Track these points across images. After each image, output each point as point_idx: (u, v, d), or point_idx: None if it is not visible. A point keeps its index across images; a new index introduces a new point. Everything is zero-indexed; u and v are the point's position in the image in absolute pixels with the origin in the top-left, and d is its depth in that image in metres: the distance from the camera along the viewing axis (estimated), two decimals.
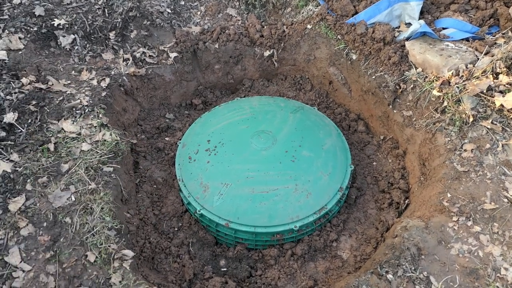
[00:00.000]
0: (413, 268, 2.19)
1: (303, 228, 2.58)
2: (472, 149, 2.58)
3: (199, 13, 3.61)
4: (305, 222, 2.56)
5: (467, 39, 2.94)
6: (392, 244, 2.34)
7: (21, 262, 2.24)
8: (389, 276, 2.18)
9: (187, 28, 3.49)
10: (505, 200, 2.37)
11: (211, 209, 2.61)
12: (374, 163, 3.08)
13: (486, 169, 2.49)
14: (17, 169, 2.56)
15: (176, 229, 2.75)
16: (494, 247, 2.23)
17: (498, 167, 2.49)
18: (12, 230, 2.34)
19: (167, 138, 3.21)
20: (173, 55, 3.30)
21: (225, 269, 2.61)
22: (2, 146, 2.64)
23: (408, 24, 3.11)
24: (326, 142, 2.90)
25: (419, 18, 3.09)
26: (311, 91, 3.52)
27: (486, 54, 2.80)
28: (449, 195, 2.44)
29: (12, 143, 2.67)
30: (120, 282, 2.20)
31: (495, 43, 2.89)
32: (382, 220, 2.72)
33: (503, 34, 2.94)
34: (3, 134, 2.71)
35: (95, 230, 2.35)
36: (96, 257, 2.27)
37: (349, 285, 2.20)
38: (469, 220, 2.33)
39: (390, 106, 3.02)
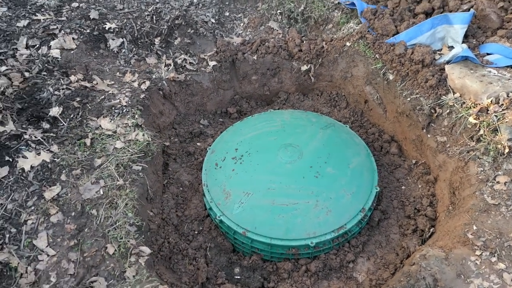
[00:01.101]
0: None
1: (319, 245, 2.56)
2: (506, 182, 2.45)
3: (242, 24, 3.71)
4: (322, 239, 2.54)
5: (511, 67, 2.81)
6: (408, 272, 2.27)
7: (47, 246, 2.40)
8: None
9: (229, 38, 3.59)
10: None
11: (230, 216, 2.65)
12: (403, 187, 3.00)
13: None
14: (55, 159, 2.74)
15: (196, 232, 2.81)
16: None
17: None
18: (44, 216, 2.50)
19: (198, 143, 3.31)
20: (212, 63, 3.40)
21: (238, 277, 2.63)
22: (44, 137, 2.84)
23: (451, 48, 3.02)
24: (353, 161, 2.87)
25: (463, 42, 2.99)
26: (346, 108, 3.49)
27: None
28: (475, 227, 2.33)
29: (54, 135, 2.87)
30: (133, 276, 2.29)
31: None
32: (404, 247, 2.64)
33: None
34: (47, 126, 2.92)
35: (117, 224, 2.46)
36: (115, 250, 2.38)
37: None
38: (494, 256, 2.21)
39: (424, 130, 2.93)
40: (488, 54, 2.93)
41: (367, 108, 3.38)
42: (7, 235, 2.41)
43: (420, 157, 3.06)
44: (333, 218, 2.59)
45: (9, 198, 2.55)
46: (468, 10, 3.06)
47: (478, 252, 2.25)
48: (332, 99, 3.56)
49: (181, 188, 3.03)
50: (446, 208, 2.69)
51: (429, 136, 2.92)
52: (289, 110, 3.43)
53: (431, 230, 2.66)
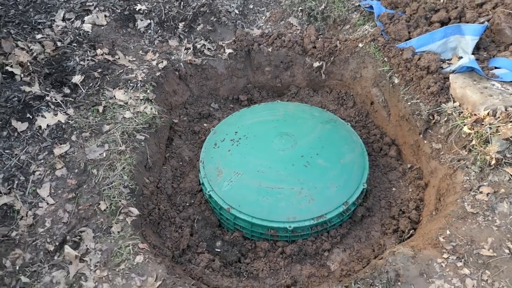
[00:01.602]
0: None
1: (298, 230, 2.66)
2: (488, 193, 2.45)
3: (263, 18, 3.86)
4: (300, 225, 2.64)
5: None
6: (375, 265, 2.33)
7: (48, 196, 2.65)
8: None
9: (249, 29, 3.75)
10: (507, 251, 2.23)
11: (219, 192, 2.81)
12: (394, 189, 3.04)
13: (496, 216, 2.36)
14: (69, 121, 3.00)
15: (187, 204, 2.99)
16: None
17: (511, 217, 2.35)
18: (50, 169, 2.76)
19: (205, 124, 3.49)
20: (228, 51, 3.57)
21: (219, 250, 2.78)
22: (63, 101, 3.11)
23: (460, 58, 3.02)
24: (346, 156, 2.94)
25: (473, 54, 2.99)
26: (352, 108, 3.55)
27: None
28: (448, 232, 2.36)
29: (72, 100, 3.13)
30: (118, 232, 2.49)
31: None
32: (381, 244, 2.69)
33: None
34: (68, 91, 3.19)
35: (112, 184, 2.68)
36: (107, 207, 2.59)
37: None
38: (460, 261, 2.24)
39: (421, 136, 2.96)
40: (496, 68, 2.91)
41: (373, 109, 3.44)
42: (16, 182, 2.69)
43: (415, 162, 3.09)
44: (314, 206, 2.68)
45: (24, 150, 2.83)
46: (483, 23, 3.05)
47: (445, 255, 2.27)
48: (340, 97, 3.63)
49: (181, 163, 3.21)
50: (430, 213, 2.72)
51: (425, 142, 2.95)
52: (295, 102, 3.54)
53: (411, 232, 2.69)
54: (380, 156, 3.28)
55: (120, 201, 2.63)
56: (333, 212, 2.69)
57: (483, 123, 2.63)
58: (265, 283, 2.59)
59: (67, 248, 2.36)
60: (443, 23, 3.17)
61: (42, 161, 2.79)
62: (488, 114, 2.63)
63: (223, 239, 2.83)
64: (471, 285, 2.16)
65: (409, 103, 2.99)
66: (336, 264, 2.66)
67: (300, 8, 3.71)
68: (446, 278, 2.19)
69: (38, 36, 3.44)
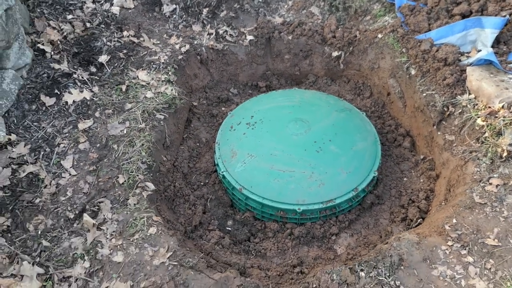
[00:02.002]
0: (387, 274, 2.22)
1: (306, 213, 2.73)
2: (498, 185, 2.46)
3: (286, 6, 3.91)
4: (309, 208, 2.71)
5: None
6: (380, 249, 2.39)
7: (71, 167, 2.80)
8: (362, 273, 2.25)
9: (271, 17, 3.81)
10: None
11: (232, 173, 2.90)
12: (405, 179, 3.07)
13: (504, 208, 2.38)
14: (94, 98, 3.15)
15: (202, 183, 3.09)
16: (480, 282, 2.15)
17: None
18: (74, 142, 2.91)
19: (223, 108, 3.58)
20: (249, 37, 3.65)
21: (229, 229, 2.88)
22: (90, 79, 3.25)
23: (479, 51, 3.01)
24: (358, 144, 2.99)
25: (493, 47, 2.98)
26: (369, 98, 3.58)
27: None
28: (454, 220, 2.39)
29: (98, 78, 3.27)
30: (134, 204, 2.62)
31: None
32: (389, 231, 2.74)
33: None
34: (94, 70, 3.33)
35: (131, 159, 2.81)
36: (125, 180, 2.72)
37: (323, 270, 2.32)
38: (464, 249, 2.27)
39: (435, 127, 2.97)
40: None
41: (389, 100, 3.46)
42: (42, 153, 2.85)
43: (428, 154, 3.11)
44: (324, 191, 2.75)
45: (50, 124, 2.99)
46: (505, 16, 3.02)
47: (450, 243, 2.31)
48: (358, 87, 3.66)
49: (198, 144, 3.32)
50: (439, 203, 2.74)
51: (439, 133, 2.96)
52: (312, 90, 3.60)
53: (419, 221, 2.73)
54: (394, 147, 3.30)
55: (137, 175, 2.75)
56: (342, 198, 2.75)
57: (497, 115, 2.63)
58: (272, 262, 2.67)
59: (86, 217, 2.50)
60: (464, 16, 3.16)
61: (67, 134, 2.94)
62: (502, 107, 2.63)
63: (234, 218, 2.93)
64: (473, 272, 2.19)
65: (424, 94, 3.01)
66: (342, 248, 2.72)
67: None
68: (449, 264, 2.23)
69: (69, 17, 3.59)
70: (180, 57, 3.46)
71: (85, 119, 3.04)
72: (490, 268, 2.19)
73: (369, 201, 2.89)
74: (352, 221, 2.83)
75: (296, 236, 2.74)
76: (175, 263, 2.33)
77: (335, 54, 3.57)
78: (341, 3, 3.67)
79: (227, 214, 2.96)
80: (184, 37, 3.69)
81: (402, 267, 2.25)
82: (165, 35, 3.72)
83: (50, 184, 2.70)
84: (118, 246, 2.43)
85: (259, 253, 2.71)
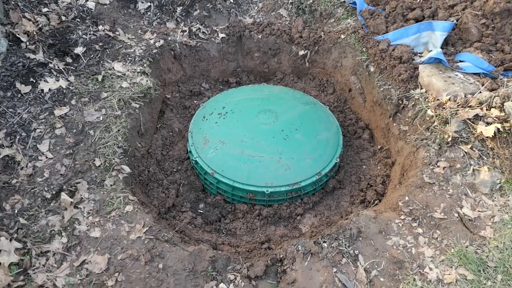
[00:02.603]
0: (347, 244, 2.45)
1: (274, 195, 2.93)
2: (445, 167, 2.75)
3: (256, 8, 4.15)
4: (276, 190, 2.91)
5: (479, 75, 3.10)
6: (341, 224, 2.62)
7: (47, 151, 2.88)
8: (324, 244, 2.46)
9: (242, 17, 4.04)
10: (456, 215, 2.53)
11: (204, 159, 3.07)
12: (364, 167, 3.33)
13: (450, 186, 2.67)
14: (70, 87, 3.24)
15: (174, 170, 3.24)
16: (428, 249, 2.41)
17: (462, 187, 2.65)
18: (50, 128, 2.99)
19: (195, 101, 3.76)
20: (221, 35, 3.85)
21: (201, 211, 3.04)
22: (65, 69, 3.35)
23: (430, 52, 3.34)
24: (322, 134, 3.23)
25: (442, 48, 3.31)
26: (332, 94, 3.85)
27: (492, 90, 2.96)
28: (407, 198, 2.66)
29: (74, 68, 3.37)
30: (111, 185, 2.74)
31: (507, 84, 3.02)
32: (349, 211, 2.98)
33: None
34: (70, 60, 3.43)
35: (107, 144, 2.93)
36: (101, 163, 2.83)
37: (289, 243, 2.52)
38: (415, 222, 2.53)
39: (391, 119, 3.26)
40: (461, 61, 3.23)
41: (350, 96, 3.74)
42: (18, 137, 2.91)
43: (385, 144, 3.39)
44: (290, 174, 2.96)
45: (26, 110, 3.06)
46: (453, 21, 3.37)
47: (402, 217, 2.57)
48: (322, 84, 3.93)
49: (171, 133, 3.47)
50: (394, 186, 3.01)
51: (394, 124, 3.25)
52: (280, 86, 3.83)
53: (376, 202, 2.98)
54: (354, 138, 3.57)
55: (113, 159, 2.87)
56: (307, 181, 2.97)
57: (444, 107, 2.94)
58: (241, 239, 2.85)
59: (63, 195, 2.60)
60: (417, 20, 3.49)
61: (43, 120, 3.02)
62: (449, 99, 2.94)
63: (206, 201, 3.09)
64: (423, 242, 2.45)
65: (381, 89, 3.30)
66: (307, 227, 2.93)
67: (290, 1, 4.02)
68: (402, 235, 2.49)
69: (44, 10, 3.68)
70: (154, 51, 3.61)
71: (61, 106, 3.13)
72: (437, 238, 2.46)
73: (331, 185, 3.13)
74: (316, 203, 3.05)
75: (264, 216, 2.93)
76: (151, 237, 2.47)
77: (301, 53, 3.83)
78: (307, 6, 3.94)
79: (199, 198, 3.12)
80: (158, 33, 3.85)
81: (360, 238, 2.48)
82: (139, 30, 3.86)
83: (26, 166, 2.78)
84: (95, 223, 2.53)
85: (229, 232, 2.88)
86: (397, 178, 3.05)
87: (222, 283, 2.36)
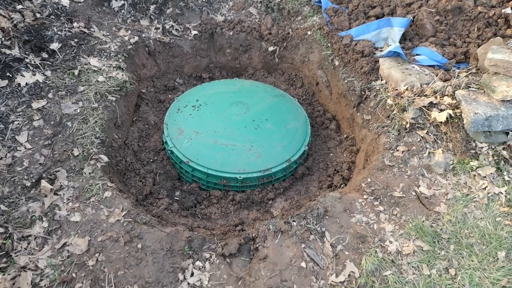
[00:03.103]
0: (315, 222, 2.64)
1: (246, 181, 3.10)
2: (403, 151, 2.99)
3: (227, 6, 4.33)
4: (249, 176, 3.08)
5: (433, 67, 3.36)
6: (309, 205, 2.81)
7: (26, 142, 2.96)
8: (294, 223, 2.64)
9: (213, 15, 4.20)
10: (413, 193, 2.76)
11: (180, 148, 3.21)
12: (331, 154, 3.54)
13: (408, 168, 2.90)
14: (46, 81, 3.33)
15: (151, 160, 3.37)
16: (388, 225, 2.63)
17: (419, 168, 2.89)
18: (28, 120, 3.07)
19: (170, 95, 3.90)
20: (194, 32, 4.01)
21: (177, 198, 3.18)
22: (42, 64, 3.43)
23: (390, 46, 3.59)
24: (291, 123, 3.43)
25: (400, 43, 3.56)
26: (300, 88, 4.06)
27: (445, 80, 3.22)
28: (369, 179, 2.87)
29: (50, 63, 3.46)
30: (89, 173, 2.85)
31: (458, 75, 3.29)
32: (317, 195, 3.17)
33: (468, 70, 3.33)
34: (46, 56, 3.51)
35: (85, 134, 3.03)
36: (79, 153, 2.94)
37: (261, 223, 2.69)
38: (377, 201, 2.75)
39: (355, 109, 3.49)
40: (418, 54, 3.49)
41: (318, 89, 3.95)
42: None
43: (350, 133, 3.61)
44: (261, 161, 3.14)
45: (3, 103, 3.13)
46: (409, 17, 3.64)
47: (365, 197, 2.78)
48: (291, 79, 4.14)
49: (147, 126, 3.60)
50: (359, 171, 3.23)
51: (358, 114, 3.48)
52: (251, 80, 4.02)
53: (342, 186, 3.19)
54: (322, 129, 3.79)
55: (91, 149, 2.98)
56: (278, 167, 3.15)
57: (402, 96, 3.18)
58: (216, 223, 3.00)
59: (43, 183, 2.69)
60: (377, 17, 3.74)
61: (20, 113, 3.10)
62: (407, 89, 3.18)
63: (181, 189, 3.23)
64: (384, 218, 2.67)
65: (345, 81, 3.53)
66: (278, 211, 3.11)
67: (259, 0, 4.22)
68: (365, 213, 2.70)
69: (19, 7, 3.74)
70: (129, 47, 3.74)
71: (38, 99, 3.21)
72: (397, 214, 2.68)
73: (300, 172, 3.32)
74: (286, 188, 3.24)
75: (238, 201, 3.09)
76: (130, 220, 2.60)
77: (271, 49, 4.03)
78: (276, 5, 4.15)
79: (175, 186, 3.26)
80: (132, 30, 3.97)
81: (326, 217, 2.68)
82: (114, 28, 3.97)
83: (5, 157, 2.85)
84: (75, 208, 2.64)
85: (204, 217, 3.03)
86: (362, 164, 3.27)
87: (198, 261, 2.51)
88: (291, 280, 2.40)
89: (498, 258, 2.46)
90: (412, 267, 2.44)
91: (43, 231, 2.52)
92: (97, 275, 2.36)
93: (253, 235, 2.64)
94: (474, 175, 2.84)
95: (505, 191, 2.74)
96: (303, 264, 2.46)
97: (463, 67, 3.40)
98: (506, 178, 2.81)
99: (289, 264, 2.47)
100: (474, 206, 2.71)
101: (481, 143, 2.92)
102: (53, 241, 2.48)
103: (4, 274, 2.30)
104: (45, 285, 2.29)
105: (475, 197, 2.74)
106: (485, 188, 2.78)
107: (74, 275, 2.34)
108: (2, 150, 2.87)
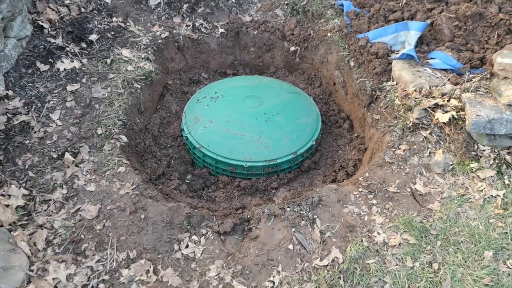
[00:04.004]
0: (308, 209, 2.77)
1: (252, 169, 3.28)
2: (405, 150, 3.05)
3: (255, 8, 4.55)
4: (255, 164, 3.26)
5: (446, 70, 3.39)
6: (306, 195, 2.94)
7: (57, 119, 3.32)
8: (287, 209, 2.79)
9: (241, 16, 4.44)
10: (408, 190, 2.83)
11: (194, 135, 3.45)
12: (340, 152, 3.64)
13: (407, 166, 2.96)
14: (82, 68, 3.69)
15: (168, 145, 3.63)
16: (379, 217, 2.71)
17: (418, 167, 2.95)
18: (62, 101, 3.43)
19: (193, 88, 4.16)
20: (221, 30, 4.26)
21: (188, 181, 3.41)
22: (80, 52, 3.81)
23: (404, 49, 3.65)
24: (302, 119, 3.57)
25: (416, 46, 3.61)
26: (319, 87, 4.19)
27: (455, 84, 3.24)
28: (367, 174, 2.96)
29: (87, 52, 3.83)
30: (108, 150, 3.14)
31: (471, 79, 3.29)
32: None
33: (483, 75, 3.32)
34: (85, 45, 3.89)
35: (109, 116, 3.35)
36: (102, 132, 3.25)
37: (258, 207, 2.86)
38: (371, 194, 2.84)
39: (366, 109, 3.57)
40: (432, 58, 3.52)
41: (334, 89, 4.07)
42: (34, 107, 3.36)
43: (361, 132, 3.69)
44: (268, 152, 3.31)
45: (43, 85, 3.51)
46: (430, 23, 3.68)
47: (360, 189, 2.88)
48: (310, 78, 4.27)
49: (169, 114, 3.88)
50: (363, 168, 3.31)
51: (368, 113, 3.56)
52: (269, 77, 4.20)
53: (344, 181, 3.29)
54: (335, 127, 3.89)
55: (113, 129, 3.29)
56: (283, 158, 3.31)
57: (409, 97, 3.24)
58: (219, 205, 3.20)
59: (67, 155, 3.02)
60: (397, 21, 3.81)
61: (56, 94, 3.47)
62: (415, 90, 3.24)
63: (193, 173, 3.46)
64: (375, 211, 2.75)
65: (358, 81, 3.62)
66: (280, 199, 3.26)
67: (285, 2, 4.41)
68: (358, 205, 2.79)
69: (67, 1, 4.17)
70: (159, 41, 4.05)
71: (73, 83, 3.58)
72: (389, 208, 2.75)
73: (306, 165, 3.45)
74: (290, 180, 3.38)
75: (242, 187, 3.28)
76: (137, 193, 2.86)
77: (292, 49, 4.20)
78: (301, 7, 4.32)
79: (187, 170, 3.50)
80: (165, 26, 4.29)
81: (320, 206, 2.80)
82: (149, 24, 4.31)
83: (38, 131, 3.22)
84: (92, 179, 2.94)
85: (209, 199, 3.24)
86: (367, 161, 3.35)
87: (194, 236, 2.71)
88: (277, 260, 2.55)
89: (484, 257, 2.47)
90: (396, 258, 2.51)
91: (62, 197, 2.83)
92: (102, 238, 2.63)
93: (248, 216, 2.81)
94: (473, 177, 2.86)
95: (503, 194, 2.74)
96: (290, 247, 2.60)
97: (478, 72, 3.40)
98: (506, 181, 2.80)
99: (278, 245, 2.62)
100: (468, 206, 2.72)
101: (484, 146, 2.93)
102: (69, 206, 2.78)
103: (24, 230, 2.62)
104: (56, 243, 2.59)
105: (470, 198, 2.76)
106: (482, 190, 2.79)
107: (82, 236, 2.63)
108: (37, 125, 3.24)
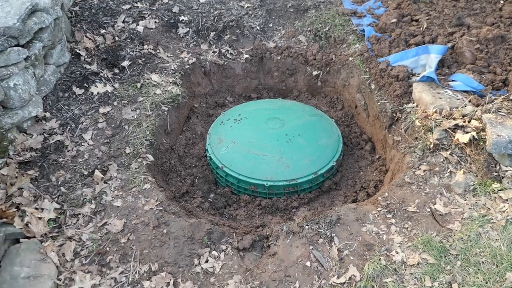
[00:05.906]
0: (326, 228, 2.80)
1: (273, 188, 3.35)
2: (425, 170, 3.06)
3: (279, 34, 4.72)
4: (275, 184, 3.33)
5: (467, 92, 3.39)
6: (324, 214, 2.98)
7: (90, 139, 3.52)
8: (306, 227, 2.83)
9: (265, 42, 4.61)
10: (428, 210, 2.82)
11: (217, 155, 3.57)
12: (361, 173, 3.66)
13: (427, 186, 2.96)
14: (114, 92, 3.92)
15: (193, 165, 3.76)
16: (398, 237, 2.71)
17: (439, 187, 2.94)
18: (94, 122, 3.64)
19: (218, 111, 4.31)
20: (245, 56, 4.43)
21: (211, 200, 3.51)
22: (113, 77, 4.05)
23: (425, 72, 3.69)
24: (323, 140, 3.63)
25: (437, 69, 3.64)
26: (341, 110, 4.25)
27: (477, 105, 3.24)
28: (386, 194, 2.98)
29: (119, 77, 4.07)
30: (136, 169, 3.30)
31: (493, 101, 3.28)
32: None
33: (505, 96, 3.31)
34: (117, 71, 4.14)
35: (137, 136, 3.52)
36: (130, 151, 3.42)
37: (277, 225, 2.92)
38: (390, 214, 2.85)
39: (387, 130, 3.61)
40: (453, 80, 3.54)
41: (356, 112, 4.12)
42: (68, 127, 3.58)
43: (383, 154, 3.71)
44: (289, 172, 3.37)
45: (78, 107, 3.75)
46: (451, 46, 3.72)
47: (379, 209, 2.89)
48: (332, 101, 4.35)
49: (194, 135, 4.03)
50: (383, 188, 3.32)
51: (389, 135, 3.59)
52: (292, 100, 4.30)
53: (365, 201, 3.30)
54: (357, 149, 3.93)
55: (141, 149, 3.45)
56: (304, 178, 3.36)
57: (430, 118, 3.26)
58: (240, 223, 3.27)
59: (97, 172, 3.19)
60: (417, 45, 3.87)
61: (89, 116, 3.69)
62: (435, 111, 3.26)
63: (215, 192, 3.56)
64: (394, 230, 2.75)
65: (379, 103, 3.67)
66: (300, 219, 3.29)
67: (309, 29, 4.55)
68: (376, 224, 2.80)
69: (102, 31, 4.46)
70: (187, 66, 4.25)
71: (105, 106, 3.80)
72: (407, 228, 2.75)
73: (327, 186, 3.49)
74: (311, 200, 3.43)
75: (263, 206, 3.34)
76: (161, 209, 2.97)
77: (315, 73, 4.31)
78: (323, 34, 4.45)
79: (210, 189, 3.60)
80: (193, 53, 4.50)
81: (338, 224, 2.83)
82: (177, 50, 4.54)
83: (72, 150, 3.42)
84: (119, 195, 3.08)
85: (231, 217, 3.32)
86: (388, 182, 3.36)
87: (214, 251, 2.79)
88: (294, 276, 2.58)
89: (506, 278, 2.42)
90: (415, 277, 2.50)
91: (90, 211, 2.98)
92: (126, 251, 2.74)
93: (267, 233, 2.87)
94: (495, 198, 2.82)
95: None
96: (308, 264, 2.63)
97: (500, 93, 3.39)
98: None
99: (295, 262, 2.65)
100: (490, 227, 2.68)
101: (506, 166, 2.90)
102: (97, 220, 2.93)
103: (54, 241, 2.77)
104: (83, 254, 2.72)
105: (492, 219, 2.72)
106: (504, 210, 2.74)
107: (108, 249, 2.75)
108: (70, 145, 3.44)
